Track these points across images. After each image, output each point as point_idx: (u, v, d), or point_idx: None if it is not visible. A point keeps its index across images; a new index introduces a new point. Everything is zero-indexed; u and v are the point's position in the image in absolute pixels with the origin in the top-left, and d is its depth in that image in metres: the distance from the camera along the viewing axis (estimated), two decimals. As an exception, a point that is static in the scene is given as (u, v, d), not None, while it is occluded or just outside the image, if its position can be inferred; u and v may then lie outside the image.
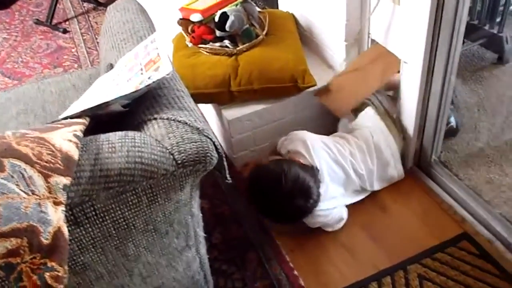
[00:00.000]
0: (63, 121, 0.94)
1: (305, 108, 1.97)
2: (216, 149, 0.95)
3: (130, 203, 0.90)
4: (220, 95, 1.87)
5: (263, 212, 1.68)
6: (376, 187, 1.80)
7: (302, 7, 2.13)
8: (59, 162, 0.81)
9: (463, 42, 2.38)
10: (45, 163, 0.79)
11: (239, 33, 1.89)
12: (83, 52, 2.94)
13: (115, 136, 0.91)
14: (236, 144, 1.94)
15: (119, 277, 1.03)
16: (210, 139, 0.95)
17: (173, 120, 0.96)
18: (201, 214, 1.13)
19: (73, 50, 2.99)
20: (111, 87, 1.10)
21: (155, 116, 0.98)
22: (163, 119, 0.96)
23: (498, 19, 2.36)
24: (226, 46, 1.90)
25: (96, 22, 3.27)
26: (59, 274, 0.73)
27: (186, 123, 0.95)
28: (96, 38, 3.08)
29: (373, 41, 1.86)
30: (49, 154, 0.81)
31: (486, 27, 2.39)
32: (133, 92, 0.96)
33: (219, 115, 1.94)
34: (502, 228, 1.62)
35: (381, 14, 1.71)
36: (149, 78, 1.01)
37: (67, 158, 0.82)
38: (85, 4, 3.51)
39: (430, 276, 1.55)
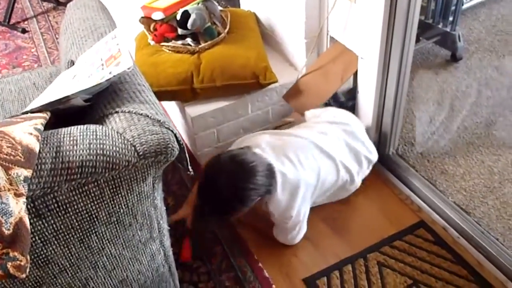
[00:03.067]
0: (23, 116, 0.95)
1: (267, 105, 2.01)
2: (177, 140, 0.98)
3: (93, 194, 0.92)
4: (183, 92, 1.88)
5: (203, 200, 1.51)
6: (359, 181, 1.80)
7: (263, 6, 2.17)
8: (20, 154, 0.82)
9: (418, 40, 2.50)
10: (5, 156, 0.80)
11: (201, 31, 1.92)
12: (43, 52, 2.90)
13: (76, 130, 0.92)
14: (199, 141, 1.96)
15: (83, 270, 1.03)
16: (171, 131, 0.97)
17: (134, 113, 0.97)
18: (164, 207, 1.15)
19: (32, 50, 2.94)
20: (72, 83, 1.11)
21: (117, 109, 0.99)
22: (124, 112, 0.98)
23: (451, 18, 2.46)
24: (188, 44, 1.92)
25: (56, 22, 3.22)
26: (21, 263, 0.74)
27: (148, 116, 0.97)
28: (57, 38, 3.04)
29: (332, 38, 1.92)
30: (9, 146, 0.82)
31: (440, 26, 2.49)
32: (94, 86, 0.97)
33: (183, 112, 1.96)
34: (456, 215, 1.70)
35: (339, 12, 1.77)
36: (110, 73, 1.02)
37: (28, 150, 0.83)
38: (44, 4, 3.45)
39: (388, 263, 1.61)
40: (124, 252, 1.08)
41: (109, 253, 1.05)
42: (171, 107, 2.14)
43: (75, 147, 0.88)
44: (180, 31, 1.90)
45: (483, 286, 1.51)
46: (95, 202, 0.93)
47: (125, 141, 0.92)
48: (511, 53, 2.52)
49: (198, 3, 1.92)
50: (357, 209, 1.81)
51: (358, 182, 1.76)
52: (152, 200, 1.05)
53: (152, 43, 1.94)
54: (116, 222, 1.00)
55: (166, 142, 0.94)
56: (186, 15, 1.86)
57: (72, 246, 0.96)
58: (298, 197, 1.56)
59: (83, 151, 0.88)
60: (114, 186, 0.93)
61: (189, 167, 1.06)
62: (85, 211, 0.93)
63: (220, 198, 1.46)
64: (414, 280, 1.55)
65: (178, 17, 1.87)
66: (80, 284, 1.05)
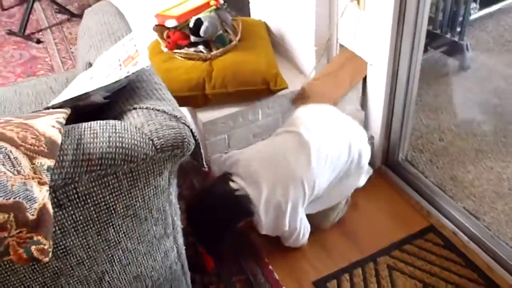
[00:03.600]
0: (45, 111, 0.98)
1: (277, 111, 2.04)
2: (193, 135, 1.00)
3: (111, 186, 0.94)
4: (195, 98, 1.92)
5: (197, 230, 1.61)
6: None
7: (274, 15, 2.22)
8: (43, 145, 0.85)
9: (427, 50, 2.53)
10: (29, 146, 0.83)
11: (213, 38, 1.96)
12: (57, 62, 2.96)
13: (96, 124, 0.95)
14: (210, 147, 1.99)
15: (99, 264, 1.05)
16: (188, 126, 1.00)
17: (152, 109, 1.00)
18: (178, 205, 1.18)
19: (47, 59, 3.00)
20: (90, 82, 1.14)
21: (134, 106, 1.02)
22: (142, 108, 1.01)
23: (458, 28, 2.50)
24: (201, 51, 1.96)
25: (70, 33, 3.29)
26: (45, 247, 0.77)
27: (165, 112, 1.00)
28: (70, 48, 3.10)
29: (341, 46, 1.95)
30: (33, 138, 0.85)
31: (448, 36, 2.52)
32: (113, 83, 1.01)
33: (194, 117, 1.99)
34: (466, 220, 1.71)
35: (348, 20, 1.81)
36: (127, 72, 1.05)
37: (51, 142, 0.86)
38: (58, 16, 3.52)
39: (398, 266, 1.62)
40: (139, 247, 1.11)
41: (125, 247, 1.07)
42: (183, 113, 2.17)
43: (95, 139, 0.91)
44: (193, 38, 1.94)
45: (493, 289, 1.52)
46: (114, 194, 0.96)
47: (143, 135, 0.95)
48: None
49: (211, 12, 1.97)
50: (367, 214, 1.83)
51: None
52: (167, 196, 1.07)
53: (165, 50, 1.98)
54: (132, 216, 1.02)
55: (183, 136, 0.97)
56: (199, 22, 1.91)
57: (90, 238, 0.99)
58: (285, 216, 1.53)
59: (103, 143, 0.91)
60: (132, 179, 0.96)
61: (204, 163, 1.09)
62: (103, 203, 0.95)
63: (204, 233, 1.59)
64: (424, 284, 1.56)
65: (191, 25, 1.92)
66: (96, 278, 1.08)
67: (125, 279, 1.15)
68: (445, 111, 2.27)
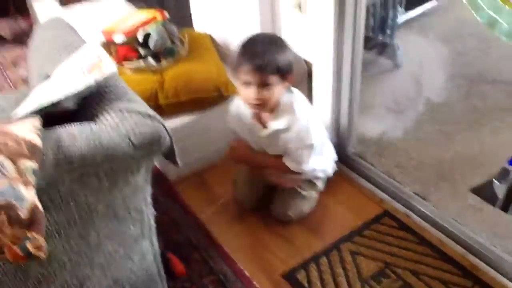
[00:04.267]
0: (16, 119, 0.99)
1: (230, 117, 2.10)
2: (167, 132, 1.04)
3: (92, 186, 0.96)
4: (149, 109, 1.94)
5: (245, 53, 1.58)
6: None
7: (217, 27, 2.29)
8: (25, 149, 0.86)
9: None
10: (11, 149, 0.84)
11: (162, 50, 2.00)
12: (-6, 87, 2.86)
13: (72, 127, 0.97)
14: (168, 156, 2.01)
15: (81, 268, 1.06)
16: (161, 123, 1.04)
17: (125, 110, 1.04)
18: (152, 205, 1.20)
19: (-19, 85, 2.90)
20: (55, 91, 1.15)
21: (106, 108, 1.05)
22: (115, 110, 1.04)
23: (388, 31, 2.70)
24: (151, 64, 1.99)
25: (3, 57, 3.20)
26: (42, 244, 0.78)
27: (138, 112, 1.03)
28: (6, 73, 3.01)
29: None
30: (13, 142, 0.86)
31: (380, 38, 2.71)
32: (85, 88, 1.03)
33: (149, 129, 2.01)
34: (416, 202, 1.84)
35: (291, 24, 1.92)
36: (95, 78, 1.08)
37: (32, 145, 0.87)
38: (-13, 42, 3.42)
39: (360, 251, 1.72)
40: (119, 249, 1.12)
41: (105, 249, 1.08)
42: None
43: (74, 141, 0.93)
44: (142, 51, 1.98)
45: (447, 260, 1.65)
46: (95, 194, 0.98)
47: (120, 134, 0.98)
48: (443, 59, 2.78)
49: (157, 25, 2.01)
50: (325, 207, 1.91)
51: None
52: (144, 194, 1.10)
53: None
54: (112, 216, 1.04)
55: (158, 132, 1.01)
56: (147, 35, 1.94)
57: (72, 241, 1.00)
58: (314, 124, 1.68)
59: (82, 144, 0.93)
60: (112, 178, 0.98)
61: (178, 160, 1.12)
62: (85, 204, 0.97)
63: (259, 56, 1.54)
64: (385, 263, 1.66)
65: (140, 38, 1.95)
66: (77, 283, 1.08)
67: (105, 283, 1.16)
68: (383, 106, 2.43)
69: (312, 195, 1.87)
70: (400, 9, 2.97)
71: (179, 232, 1.85)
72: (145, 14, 2.07)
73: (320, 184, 1.90)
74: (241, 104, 1.74)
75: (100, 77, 1.06)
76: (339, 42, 1.80)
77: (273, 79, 1.55)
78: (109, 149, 0.95)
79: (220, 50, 2.29)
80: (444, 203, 1.86)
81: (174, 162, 1.13)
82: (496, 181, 1.70)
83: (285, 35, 2.00)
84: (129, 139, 0.98)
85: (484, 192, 1.84)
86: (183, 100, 1.95)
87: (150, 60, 1.99)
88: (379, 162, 2.09)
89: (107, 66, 1.11)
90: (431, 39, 3.00)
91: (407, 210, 1.84)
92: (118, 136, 0.97)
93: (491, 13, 1.28)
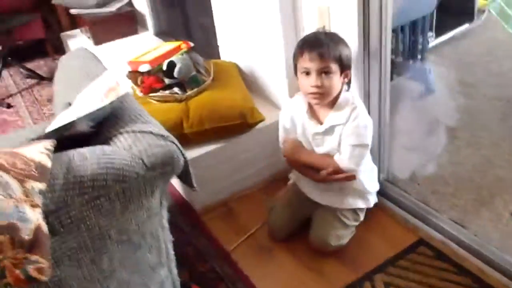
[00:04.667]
0: (31, 141, 0.98)
1: (256, 145, 2.07)
2: (182, 153, 1.01)
3: (104, 209, 0.93)
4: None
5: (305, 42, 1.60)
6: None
7: (243, 56, 2.29)
8: (33, 169, 0.84)
9: (392, 78, 2.63)
10: (19, 170, 0.82)
11: (186, 79, 2.00)
12: (29, 123, 2.94)
13: (84, 149, 0.95)
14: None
15: (94, 296, 1.02)
16: (175, 144, 1.01)
17: (138, 131, 1.01)
18: (169, 232, 1.16)
19: (19, 122, 2.98)
20: (73, 114, 1.15)
21: (120, 131, 1.03)
22: (129, 132, 1.02)
23: (419, 56, 2.63)
24: (176, 93, 1.99)
25: (40, 95, 3.30)
26: (43, 266, 0.74)
27: (151, 132, 1.01)
28: (42, 109, 3.10)
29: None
30: (22, 163, 0.84)
31: (410, 62, 2.65)
32: (97, 109, 1.02)
33: (175, 158, 2.00)
34: (452, 229, 1.73)
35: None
36: (110, 100, 1.07)
37: (41, 166, 0.86)
38: (28, 80, 3.54)
39: (395, 282, 1.61)
40: (134, 277, 1.08)
41: (119, 277, 1.04)
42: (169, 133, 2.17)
43: (85, 162, 0.91)
44: (167, 80, 1.98)
45: (488, 291, 1.52)
46: (107, 218, 0.94)
47: (133, 155, 0.95)
48: (478, 82, 2.68)
49: (182, 54, 2.03)
50: (357, 236, 1.82)
51: None
52: (159, 219, 1.06)
53: (141, 95, 2.01)
54: (126, 242, 1.00)
55: (172, 153, 0.98)
56: (172, 65, 1.96)
57: (84, 267, 0.96)
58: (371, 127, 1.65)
59: (93, 165, 0.91)
60: (124, 200, 0.95)
61: (194, 183, 1.09)
62: (97, 228, 0.94)
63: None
64: (422, 295, 1.55)
65: (165, 68, 1.97)
66: (91, 313, 1.04)
67: (120, 313, 1.11)
68: (417, 132, 2.34)
69: (353, 225, 1.79)
70: (430, 34, 2.91)
71: (204, 263, 1.79)
72: (170, 45, 2.09)
73: (362, 216, 1.82)
74: (296, 102, 1.73)
75: (114, 98, 1.05)
76: (365, 68, 1.76)
77: (334, 67, 1.54)
78: (120, 169, 0.92)
79: (246, 79, 2.28)
80: (485, 231, 1.75)
81: (191, 186, 1.09)
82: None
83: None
84: (142, 160, 0.95)
85: None
86: (208, 128, 1.93)
87: (175, 89, 2.00)
88: (413, 189, 1.99)
89: (123, 88, 1.10)
90: (464, 61, 2.92)
91: (444, 238, 1.72)
92: (130, 156, 0.95)
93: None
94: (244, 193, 2.09)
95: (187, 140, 1.95)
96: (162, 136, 1.01)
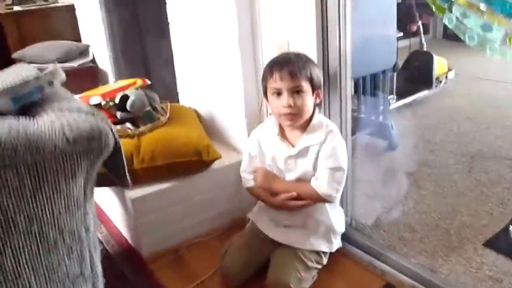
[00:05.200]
0: None
1: (212, 187, 1.93)
2: (113, 134, 0.88)
3: (11, 185, 0.77)
4: (123, 174, 1.78)
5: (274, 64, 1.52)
6: None
7: (201, 100, 2.23)
8: None
9: (354, 133, 2.60)
10: None
11: (140, 115, 1.90)
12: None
13: (-4, 119, 0.82)
14: (141, 227, 1.80)
15: (-8, 306, 0.82)
16: (106, 122, 0.88)
17: (66, 109, 0.89)
18: (98, 240, 0.99)
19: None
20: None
21: (46, 109, 0.90)
22: (54, 110, 0.89)
23: (381, 109, 2.63)
24: (128, 128, 1.88)
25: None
26: None
27: (80, 109, 0.88)
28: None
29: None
30: None
31: (373, 118, 2.63)
32: (20, 83, 0.89)
33: (121, 197, 1.83)
34: (424, 272, 1.59)
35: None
36: (36, 73, 0.95)
37: None
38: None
39: (361, 328, 1.43)
40: (47, 286, 0.89)
41: (26, 282, 0.85)
42: (107, 198, 1.99)
43: (-8, 127, 0.77)
44: (119, 114, 1.88)
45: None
46: (14, 198, 0.78)
47: (53, 127, 0.82)
48: (441, 141, 2.67)
49: (137, 88, 1.94)
50: (318, 282, 1.64)
51: None
52: (83, 215, 0.90)
53: (90, 129, 1.88)
54: (37, 235, 0.83)
55: (100, 128, 0.85)
56: (125, 98, 1.86)
57: (-21, 260, 0.78)
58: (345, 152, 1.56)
59: (3, 129, 0.77)
60: (37, 178, 0.80)
61: (127, 175, 0.95)
62: (1, 209, 0.77)
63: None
64: None
65: (117, 100, 1.86)
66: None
67: (28, 338, 0.90)
68: (381, 182, 2.26)
69: (315, 269, 1.62)
70: (391, 96, 2.95)
71: (147, 311, 1.57)
72: (126, 81, 2.01)
73: (325, 260, 1.66)
74: (265, 127, 1.67)
75: (41, 74, 0.93)
76: (325, 100, 1.71)
77: (305, 86, 1.48)
78: (35, 138, 0.78)
79: (204, 123, 2.19)
80: (456, 276, 1.62)
81: (122, 179, 0.94)
82: (512, 227, 1.47)
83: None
84: (63, 133, 0.82)
85: (499, 243, 1.59)
86: (161, 164, 1.80)
87: (128, 124, 1.88)
88: (379, 235, 1.87)
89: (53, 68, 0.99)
90: (425, 123, 2.94)
91: (414, 282, 1.57)
92: (50, 128, 0.81)
93: (480, 32, 1.19)
94: (197, 240, 1.91)
95: (136, 177, 1.78)
96: (92, 113, 0.88)
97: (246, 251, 1.65)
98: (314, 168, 1.54)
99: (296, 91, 1.48)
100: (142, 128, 1.88)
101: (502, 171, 2.29)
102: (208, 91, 2.17)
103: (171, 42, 2.35)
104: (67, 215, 0.86)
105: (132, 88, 1.93)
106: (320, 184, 1.52)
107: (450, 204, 2.04)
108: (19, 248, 0.81)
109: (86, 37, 3.42)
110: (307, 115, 1.53)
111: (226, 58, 1.95)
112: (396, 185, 2.22)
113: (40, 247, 0.84)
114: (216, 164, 1.91)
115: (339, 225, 1.69)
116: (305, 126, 1.56)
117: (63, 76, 0.95)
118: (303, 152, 1.55)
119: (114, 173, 0.94)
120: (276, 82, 1.49)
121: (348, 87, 1.72)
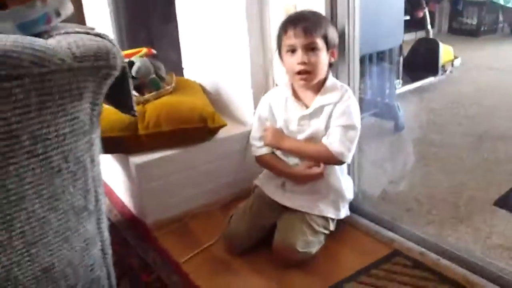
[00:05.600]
0: None
1: (219, 157, 1.90)
2: (122, 58, 0.86)
3: (16, 99, 0.75)
4: (127, 140, 1.76)
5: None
6: None
7: (207, 73, 2.21)
8: None
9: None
10: None
11: (146, 81, 1.88)
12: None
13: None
14: (145, 195, 1.77)
15: (-6, 228, 0.80)
16: (114, 44, 0.86)
17: (73, 32, 0.87)
18: (102, 176, 0.97)
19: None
20: None
21: (52, 35, 0.88)
22: (61, 33, 0.87)
23: (387, 91, 2.60)
24: (134, 95, 1.85)
25: None
26: None
27: (88, 33, 0.86)
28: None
29: (277, 86, 1.93)
30: None
31: (379, 99, 2.61)
32: (27, 6, 0.87)
33: (125, 164, 1.81)
34: (433, 239, 1.56)
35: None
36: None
37: None
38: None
39: (368, 290, 1.40)
40: (50, 216, 0.86)
41: (30, 208, 0.83)
42: (111, 164, 1.96)
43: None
44: (124, 81, 1.85)
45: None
46: (18, 112, 0.76)
47: (60, 44, 0.80)
48: (447, 123, 2.65)
49: (142, 56, 1.92)
50: (326, 249, 1.60)
51: None
52: (89, 143, 0.88)
53: (94, 95, 1.86)
54: (41, 156, 0.81)
55: (107, 48, 0.83)
56: (130, 64, 1.84)
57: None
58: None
59: (7, 42, 0.74)
60: (43, 93, 0.77)
61: (134, 106, 0.92)
62: (3, 122, 0.75)
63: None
64: (400, 303, 1.33)
65: (122, 66, 1.84)
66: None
67: (28, 268, 0.87)
68: (388, 161, 2.23)
69: (322, 234, 1.59)
70: (397, 81, 2.92)
71: (150, 274, 1.54)
72: (132, 50, 1.99)
73: (332, 226, 1.63)
74: (277, 91, 1.65)
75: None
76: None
77: (320, 43, 1.46)
78: (41, 51, 0.76)
79: (210, 97, 2.17)
80: (466, 244, 1.59)
81: (130, 109, 0.92)
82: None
83: (276, 73, 1.89)
84: (70, 49, 0.79)
85: (510, 201, 1.56)
86: (165, 130, 1.77)
87: (133, 91, 1.86)
88: (386, 207, 1.84)
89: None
90: (431, 107, 2.91)
91: (422, 249, 1.54)
92: (57, 45, 0.79)
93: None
94: (202, 210, 1.88)
95: (141, 143, 1.78)
96: (99, 35, 0.86)
97: (251, 215, 1.62)
98: (326, 128, 1.52)
99: (311, 48, 1.46)
100: (147, 96, 1.86)
101: (510, 150, 2.26)
102: (213, 63, 2.14)
103: (177, 23, 2.33)
104: (72, 140, 0.84)
105: (138, 56, 1.91)
106: (331, 141, 1.49)
107: (457, 180, 2.01)
108: (22, 168, 0.79)
109: (90, 20, 3.40)
110: (321, 74, 1.50)
111: (232, 28, 1.93)
112: (402, 162, 2.19)
113: (43, 170, 0.82)
114: (221, 134, 1.88)
115: (349, 192, 1.66)
116: (318, 88, 1.53)
117: (71, 7, 0.93)
118: (317, 112, 1.52)
119: (120, 105, 0.91)
120: (290, 39, 1.47)
121: (357, 51, 1.69)
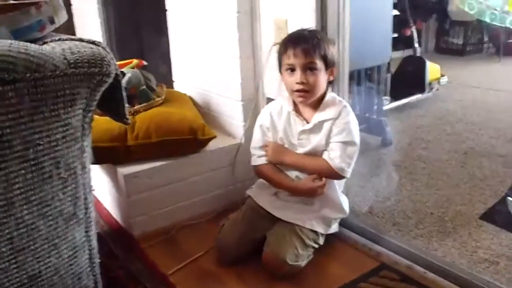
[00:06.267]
0: None
1: (208, 169, 1.90)
2: (115, 66, 0.87)
3: (9, 103, 0.75)
4: (116, 150, 1.75)
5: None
6: None
7: (197, 86, 2.21)
8: None
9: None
10: None
11: (136, 92, 1.88)
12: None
13: (-4, 40, 0.80)
14: (133, 206, 1.76)
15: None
16: (108, 52, 0.86)
17: (66, 39, 0.87)
18: (93, 186, 0.97)
19: None
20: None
21: (46, 42, 0.89)
22: (55, 40, 0.87)
23: (375, 107, 2.64)
24: (123, 106, 1.85)
25: None
26: None
27: (82, 40, 0.87)
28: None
29: (268, 99, 1.94)
30: None
31: (367, 115, 2.64)
32: (22, 12, 0.88)
33: (114, 175, 1.80)
34: (420, 252, 1.57)
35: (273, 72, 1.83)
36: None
37: None
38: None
39: (356, 303, 1.40)
40: (39, 221, 0.86)
41: (19, 214, 0.82)
42: (99, 174, 1.95)
43: (-7, 43, 0.75)
44: (114, 91, 1.85)
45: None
46: (10, 115, 0.76)
47: (55, 50, 0.80)
48: (434, 139, 2.68)
49: (133, 67, 1.92)
50: (313, 262, 1.61)
51: None
52: (80, 150, 0.88)
53: (84, 105, 1.85)
54: (32, 161, 0.81)
55: (102, 56, 0.83)
56: (121, 74, 1.84)
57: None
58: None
59: (2, 47, 0.75)
60: (36, 99, 0.78)
61: (127, 114, 0.93)
62: (-5, 125, 0.75)
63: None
64: (387, 316, 1.34)
65: (113, 77, 1.84)
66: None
67: (15, 275, 0.86)
68: (375, 175, 2.26)
69: (312, 247, 1.59)
70: (386, 97, 2.96)
71: (138, 285, 1.52)
72: (123, 61, 2.00)
73: (321, 240, 1.63)
74: (277, 104, 1.65)
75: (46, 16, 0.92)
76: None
77: (319, 63, 1.48)
78: (35, 57, 0.76)
79: (199, 109, 2.17)
80: (452, 258, 1.61)
81: (123, 117, 0.92)
82: (510, 197, 1.47)
83: (266, 85, 1.91)
84: (64, 55, 0.80)
85: (495, 215, 1.58)
86: (155, 141, 1.77)
87: (123, 102, 1.86)
88: (373, 221, 1.85)
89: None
90: (419, 123, 2.95)
91: (410, 262, 1.55)
92: (51, 51, 0.79)
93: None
94: (190, 222, 1.87)
95: (130, 153, 1.78)
96: (93, 43, 0.87)
97: (242, 225, 1.62)
98: (326, 143, 1.54)
99: (309, 68, 1.48)
100: (137, 107, 1.86)
101: (495, 166, 2.30)
102: (203, 76, 2.15)
103: (168, 36, 2.35)
104: (63, 146, 0.84)
105: (129, 67, 1.91)
106: (332, 157, 1.51)
107: (444, 195, 2.04)
108: (12, 173, 0.79)
109: (81, 31, 3.41)
110: (319, 93, 1.53)
111: (223, 41, 1.95)
112: (389, 177, 2.21)
113: (34, 174, 0.81)
114: (211, 146, 1.89)
115: (344, 209, 1.67)
116: (317, 104, 1.56)
117: (65, 15, 0.94)
118: (317, 126, 1.54)
119: (113, 113, 0.92)
120: (289, 58, 1.50)
121: (346, 67, 1.72)
